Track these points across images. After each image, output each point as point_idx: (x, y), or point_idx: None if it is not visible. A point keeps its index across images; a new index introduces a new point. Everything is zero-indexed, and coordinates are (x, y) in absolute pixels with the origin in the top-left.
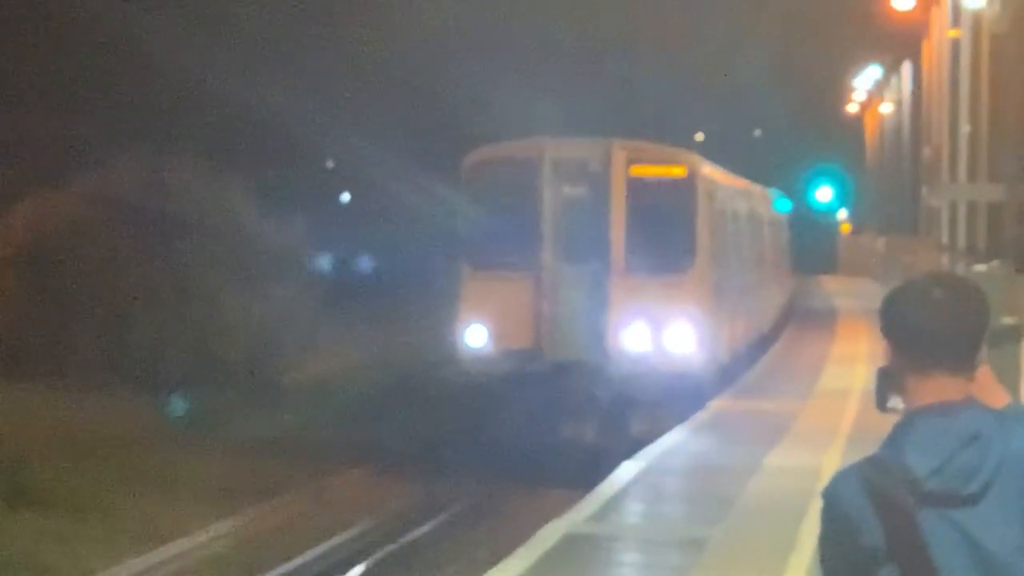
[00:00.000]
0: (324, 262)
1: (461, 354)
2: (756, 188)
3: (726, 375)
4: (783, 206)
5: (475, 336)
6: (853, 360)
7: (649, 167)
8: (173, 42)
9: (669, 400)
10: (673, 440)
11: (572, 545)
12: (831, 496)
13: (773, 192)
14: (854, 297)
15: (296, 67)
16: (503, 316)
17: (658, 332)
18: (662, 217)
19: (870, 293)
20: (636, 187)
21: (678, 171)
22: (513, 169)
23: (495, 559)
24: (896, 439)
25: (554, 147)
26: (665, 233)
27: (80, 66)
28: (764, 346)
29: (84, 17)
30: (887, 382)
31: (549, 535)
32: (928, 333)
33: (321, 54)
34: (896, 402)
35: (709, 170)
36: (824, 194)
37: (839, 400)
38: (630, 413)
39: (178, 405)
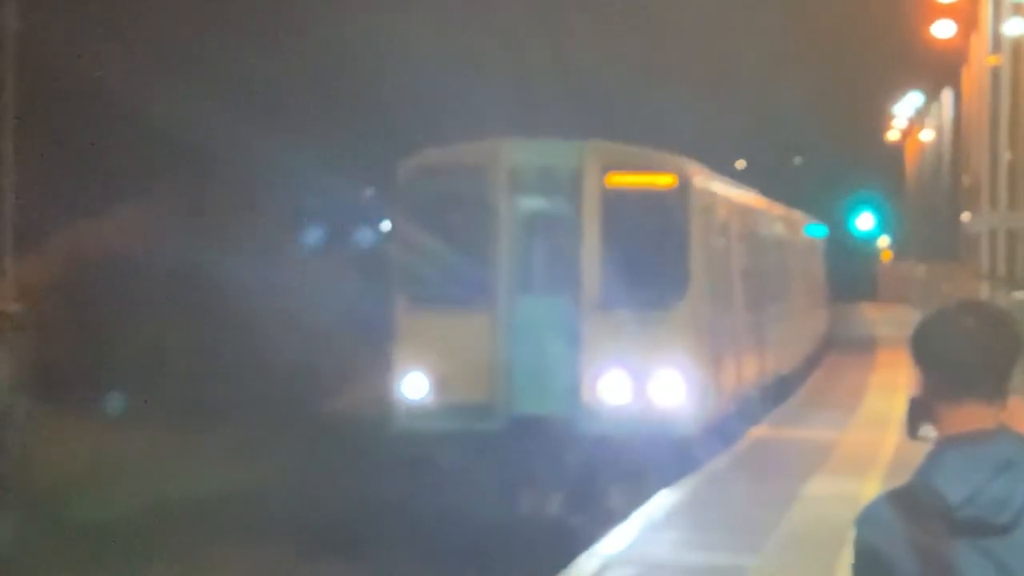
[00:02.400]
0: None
1: (397, 408)
2: (779, 208)
3: (727, 429)
4: (818, 232)
5: (413, 386)
6: (893, 388)
7: (630, 175)
8: (198, 86)
9: (653, 463)
10: (712, 469)
11: (611, 573)
12: (863, 525)
13: (804, 216)
14: (894, 325)
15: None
16: (448, 361)
17: (641, 380)
18: (646, 237)
19: (910, 321)
20: (614, 200)
21: (666, 180)
22: (461, 178)
23: None
24: (928, 468)
25: (512, 151)
26: (650, 258)
27: (116, 100)
28: (786, 388)
29: (119, 61)
30: (919, 411)
31: (587, 563)
32: (960, 362)
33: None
34: (928, 431)
35: (707, 180)
36: (865, 221)
37: (879, 428)
38: (606, 480)
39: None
